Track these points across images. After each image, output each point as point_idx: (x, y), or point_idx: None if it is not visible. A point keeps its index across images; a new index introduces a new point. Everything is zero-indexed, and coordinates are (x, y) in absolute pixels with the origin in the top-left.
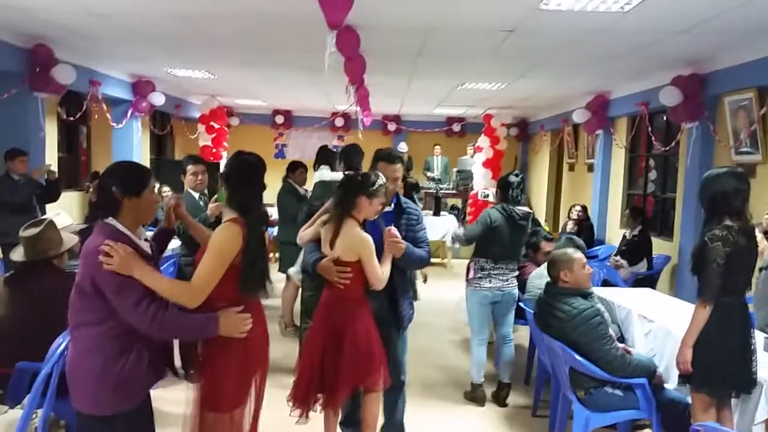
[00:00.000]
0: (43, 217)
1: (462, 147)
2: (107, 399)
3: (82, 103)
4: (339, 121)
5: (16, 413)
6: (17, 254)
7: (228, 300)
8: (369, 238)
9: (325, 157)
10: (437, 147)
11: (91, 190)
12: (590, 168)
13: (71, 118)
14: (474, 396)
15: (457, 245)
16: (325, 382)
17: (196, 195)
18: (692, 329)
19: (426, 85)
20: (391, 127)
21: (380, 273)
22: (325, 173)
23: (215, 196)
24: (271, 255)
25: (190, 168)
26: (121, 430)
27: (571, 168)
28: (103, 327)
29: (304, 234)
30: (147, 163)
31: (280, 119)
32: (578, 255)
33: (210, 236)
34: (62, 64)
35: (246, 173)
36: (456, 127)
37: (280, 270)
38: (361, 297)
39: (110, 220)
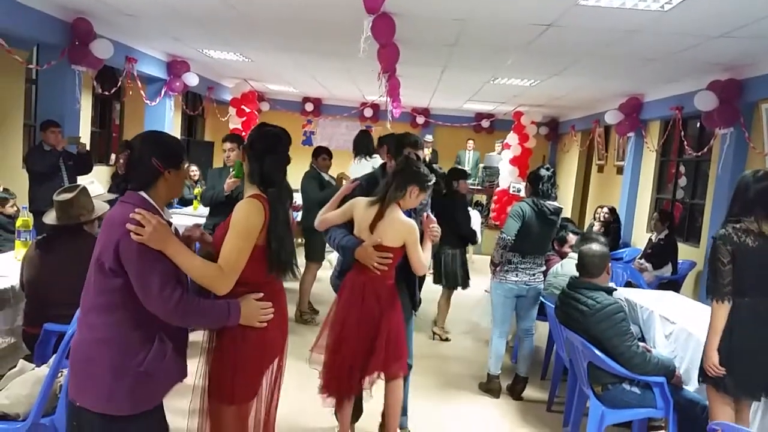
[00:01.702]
0: (77, 183)
1: (490, 143)
2: (123, 398)
3: (117, 79)
4: (368, 112)
5: (43, 371)
6: (50, 218)
7: (249, 285)
8: (415, 224)
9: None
10: (470, 141)
11: (120, 161)
12: (619, 170)
13: (106, 93)
14: (489, 387)
15: (502, 252)
16: (354, 368)
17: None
18: (712, 330)
19: (458, 77)
20: (420, 119)
21: (424, 259)
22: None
23: (232, 171)
24: (297, 240)
25: (225, 144)
26: (134, 430)
27: (600, 170)
28: (123, 313)
29: (330, 217)
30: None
31: (309, 106)
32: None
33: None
34: (100, 39)
35: (270, 143)
36: (485, 123)
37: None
38: (394, 283)
39: (141, 193)
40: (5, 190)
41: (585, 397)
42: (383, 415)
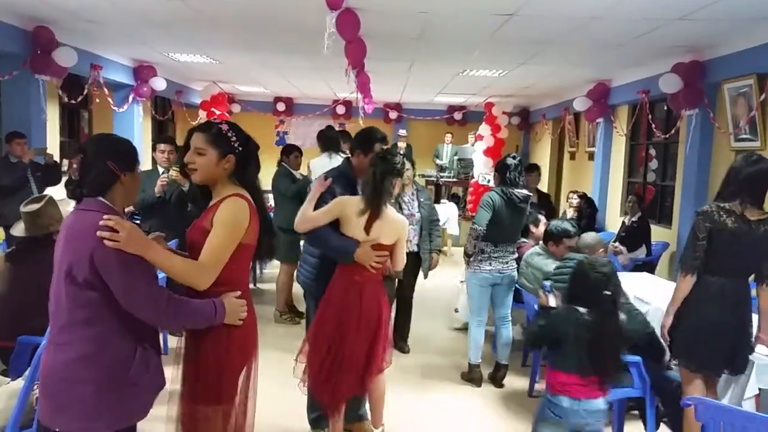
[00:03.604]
0: (43, 194)
1: (463, 135)
2: (108, 415)
3: (83, 87)
4: (340, 109)
5: (18, 384)
6: (18, 230)
7: (227, 284)
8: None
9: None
10: (448, 135)
11: (74, 166)
12: (591, 156)
13: (72, 102)
14: (471, 377)
15: (475, 243)
16: (353, 369)
17: (161, 170)
18: (673, 298)
19: (427, 71)
20: (393, 115)
21: (404, 254)
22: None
23: (164, 173)
24: None
25: (159, 146)
26: None
27: (572, 156)
28: (100, 326)
29: (314, 217)
30: (148, 149)
31: (281, 106)
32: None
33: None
34: (63, 47)
35: (254, 147)
36: (457, 116)
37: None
38: (382, 279)
39: (99, 199)
40: None
41: None
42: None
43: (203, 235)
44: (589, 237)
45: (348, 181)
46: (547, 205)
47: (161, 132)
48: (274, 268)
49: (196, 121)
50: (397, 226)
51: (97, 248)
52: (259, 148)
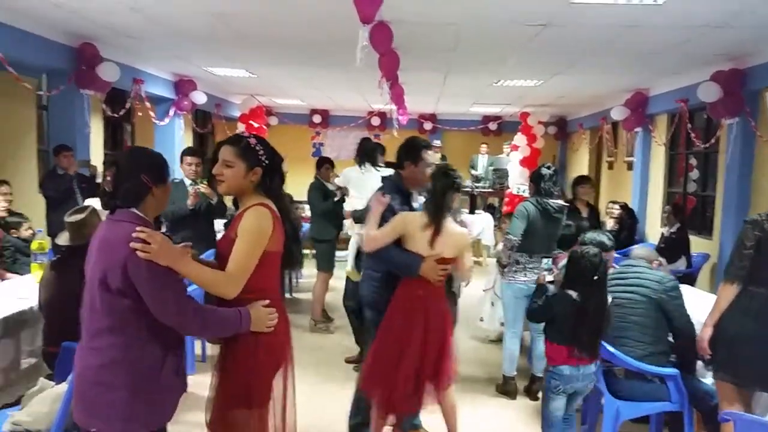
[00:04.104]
0: (86, 203)
1: (499, 146)
2: (140, 418)
3: (126, 101)
4: (375, 120)
5: (62, 388)
6: (63, 239)
7: (255, 292)
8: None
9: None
10: (484, 145)
11: (107, 177)
12: (630, 166)
13: (115, 116)
14: (506, 389)
15: (509, 253)
16: (421, 382)
17: (187, 182)
18: (714, 307)
19: (461, 82)
20: (428, 125)
21: (470, 265)
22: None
23: (191, 184)
24: (306, 252)
25: (186, 158)
26: None
27: (611, 166)
28: (134, 331)
29: (381, 236)
30: None
31: (317, 118)
32: None
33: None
34: (106, 62)
35: (279, 161)
36: (492, 126)
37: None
38: (445, 292)
39: (132, 210)
40: (19, 214)
41: (600, 394)
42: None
43: (231, 244)
44: (642, 250)
45: (402, 193)
46: (595, 218)
47: (202, 145)
48: (310, 277)
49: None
50: (459, 239)
51: (129, 258)
52: (283, 160)
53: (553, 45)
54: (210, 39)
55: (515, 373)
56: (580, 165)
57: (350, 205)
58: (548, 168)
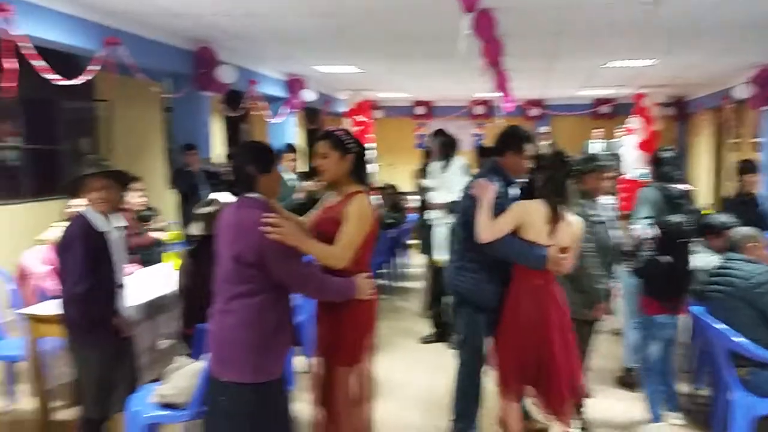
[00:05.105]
0: (212, 197)
1: (611, 130)
2: (267, 367)
3: (240, 101)
4: (479, 109)
5: (200, 364)
6: (195, 229)
7: (356, 265)
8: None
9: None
10: (598, 130)
11: (229, 170)
12: (756, 148)
13: (233, 115)
14: (626, 380)
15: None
16: (563, 372)
17: (287, 177)
18: None
19: (569, 65)
20: (533, 112)
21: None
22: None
23: (290, 179)
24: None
25: (287, 155)
26: (274, 393)
27: (735, 148)
28: (260, 298)
29: (502, 225)
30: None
31: (421, 110)
32: None
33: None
34: (224, 65)
35: (364, 149)
36: (604, 109)
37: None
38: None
39: (253, 195)
40: (150, 208)
41: (728, 390)
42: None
43: (333, 224)
44: (740, 231)
45: (506, 181)
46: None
47: (312, 141)
48: (413, 266)
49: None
50: (574, 228)
51: (263, 240)
52: (365, 150)
53: (666, 21)
54: (319, 38)
55: (636, 364)
56: (702, 147)
57: (437, 197)
58: (668, 151)
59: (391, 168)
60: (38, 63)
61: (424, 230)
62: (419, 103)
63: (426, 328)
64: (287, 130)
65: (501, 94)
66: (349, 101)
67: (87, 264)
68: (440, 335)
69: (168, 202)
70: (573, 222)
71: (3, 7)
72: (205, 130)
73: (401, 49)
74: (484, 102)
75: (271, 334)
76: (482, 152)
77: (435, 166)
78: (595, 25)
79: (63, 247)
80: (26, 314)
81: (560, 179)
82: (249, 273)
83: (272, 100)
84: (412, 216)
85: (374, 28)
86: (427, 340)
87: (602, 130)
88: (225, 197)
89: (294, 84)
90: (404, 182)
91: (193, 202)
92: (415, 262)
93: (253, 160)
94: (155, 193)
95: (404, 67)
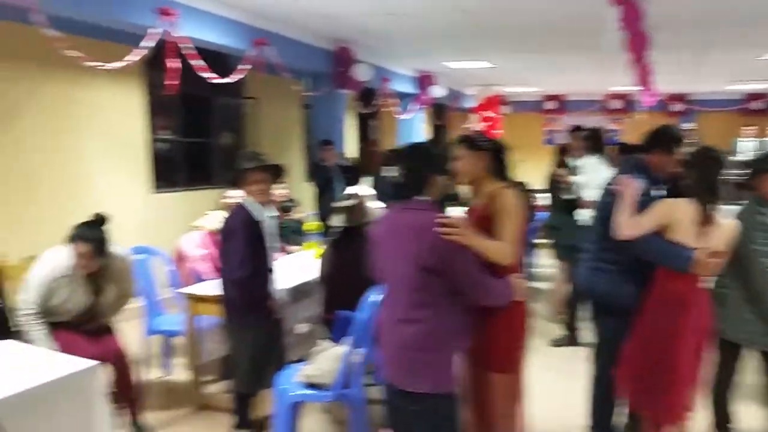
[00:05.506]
0: (356, 191)
1: (765, 127)
2: (453, 377)
3: (373, 98)
4: (615, 103)
5: (342, 349)
6: (337, 220)
7: (512, 265)
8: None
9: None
10: (749, 128)
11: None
12: None
13: (367, 112)
14: None
15: None
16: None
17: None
18: None
19: (719, 58)
20: (676, 107)
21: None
22: None
23: None
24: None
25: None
26: (457, 403)
27: None
28: (448, 304)
29: (645, 223)
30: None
31: (551, 105)
32: None
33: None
34: (360, 63)
35: (501, 147)
36: (756, 105)
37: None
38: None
39: (424, 197)
40: (291, 200)
41: None
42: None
43: (483, 222)
44: None
45: (651, 180)
46: None
47: (438, 136)
48: (542, 267)
49: (467, 125)
50: (727, 231)
51: (439, 242)
52: (505, 149)
53: None
54: (455, 34)
55: None
56: None
57: (587, 194)
58: None
59: (522, 164)
60: (197, 62)
61: (554, 231)
62: (550, 98)
63: (556, 330)
64: (415, 126)
65: (642, 87)
66: (477, 97)
67: (248, 251)
68: (571, 338)
69: (305, 194)
70: (725, 225)
71: (168, 11)
72: (341, 127)
73: (537, 42)
74: (622, 96)
75: (459, 339)
76: (622, 149)
77: (583, 162)
78: (753, 14)
79: (226, 235)
80: (185, 293)
81: (712, 178)
82: (431, 279)
83: (402, 96)
84: (541, 214)
85: (513, 22)
86: (558, 343)
87: (755, 127)
88: (362, 191)
89: (424, 80)
90: (534, 179)
91: (328, 195)
92: (543, 262)
93: (429, 162)
94: (293, 186)
95: (538, 61)
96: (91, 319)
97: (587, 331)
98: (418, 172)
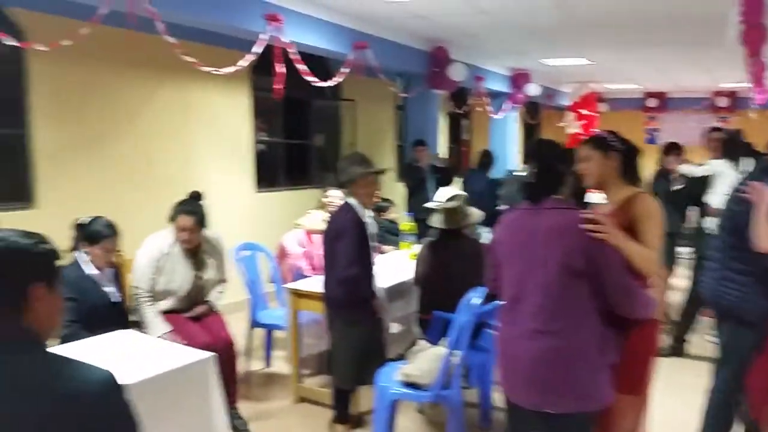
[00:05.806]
0: (458, 193)
1: None
2: (599, 394)
3: (466, 97)
4: (721, 101)
5: (441, 350)
6: (436, 221)
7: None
8: None
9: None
10: None
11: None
12: None
13: (459, 112)
14: None
15: None
16: None
17: None
18: None
19: None
20: None
21: None
22: None
23: None
24: None
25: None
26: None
27: None
28: (596, 312)
29: None
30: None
31: (652, 102)
32: None
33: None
34: (455, 63)
35: (633, 148)
36: None
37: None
38: None
39: (560, 197)
40: (385, 199)
41: None
42: None
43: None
44: None
45: None
46: None
47: (530, 136)
48: None
49: (563, 123)
50: None
51: (589, 242)
52: (639, 151)
53: None
54: (552, 31)
55: None
56: None
57: (712, 201)
58: None
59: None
60: (301, 67)
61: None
62: (651, 95)
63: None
64: (508, 125)
65: (754, 85)
66: (573, 94)
67: (356, 250)
68: (677, 349)
69: (397, 194)
70: None
71: (275, 18)
72: (434, 127)
73: (639, 37)
74: (730, 93)
75: (608, 353)
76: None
77: (710, 165)
78: None
79: (336, 234)
80: (289, 289)
81: None
82: (575, 283)
83: (495, 95)
84: None
85: (613, 16)
86: (663, 353)
87: None
88: (454, 192)
89: (518, 78)
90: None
91: (420, 195)
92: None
93: (564, 159)
94: (388, 187)
95: (639, 56)
96: (197, 299)
97: (695, 344)
98: (554, 170)
